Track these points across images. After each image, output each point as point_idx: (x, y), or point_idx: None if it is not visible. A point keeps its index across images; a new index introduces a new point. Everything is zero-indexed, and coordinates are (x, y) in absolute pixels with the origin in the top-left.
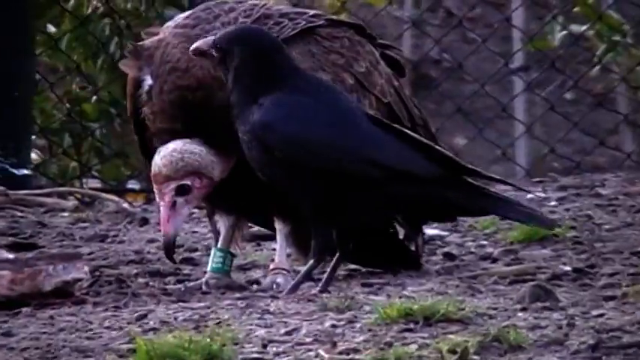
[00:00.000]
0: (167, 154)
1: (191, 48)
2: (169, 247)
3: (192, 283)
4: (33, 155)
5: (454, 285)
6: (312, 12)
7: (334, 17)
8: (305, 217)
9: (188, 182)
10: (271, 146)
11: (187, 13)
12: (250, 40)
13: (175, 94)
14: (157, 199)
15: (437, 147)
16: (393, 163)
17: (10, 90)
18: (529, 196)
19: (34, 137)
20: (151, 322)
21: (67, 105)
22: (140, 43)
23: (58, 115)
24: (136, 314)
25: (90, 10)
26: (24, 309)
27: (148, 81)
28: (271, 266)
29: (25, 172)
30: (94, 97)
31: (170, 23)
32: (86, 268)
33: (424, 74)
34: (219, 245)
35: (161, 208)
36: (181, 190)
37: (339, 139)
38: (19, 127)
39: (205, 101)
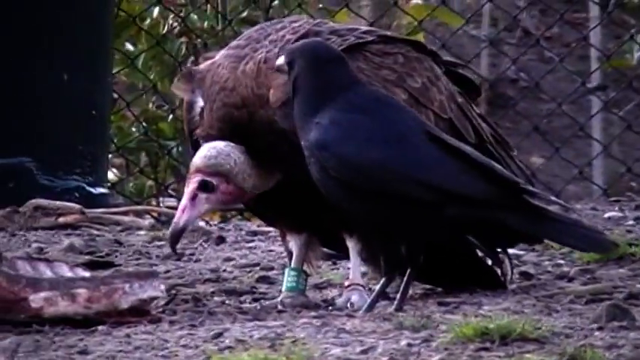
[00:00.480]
0: (206, 147)
1: (274, 65)
2: (175, 236)
3: (267, 302)
4: (110, 174)
5: (531, 304)
6: (364, 28)
7: (389, 34)
8: (369, 234)
9: (213, 181)
10: (327, 166)
11: (243, 34)
12: (308, 51)
13: (222, 112)
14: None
15: (496, 167)
16: (447, 186)
17: (88, 108)
18: (606, 215)
19: (110, 156)
20: (227, 341)
21: (144, 123)
22: (194, 67)
23: (134, 133)
24: (211, 333)
25: (166, 29)
26: (100, 327)
27: (200, 103)
28: (346, 283)
29: (102, 190)
30: (171, 116)
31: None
32: (162, 287)
33: (501, 93)
34: (292, 264)
35: (183, 197)
36: (204, 186)
37: (393, 162)
38: (96, 146)
39: (249, 118)
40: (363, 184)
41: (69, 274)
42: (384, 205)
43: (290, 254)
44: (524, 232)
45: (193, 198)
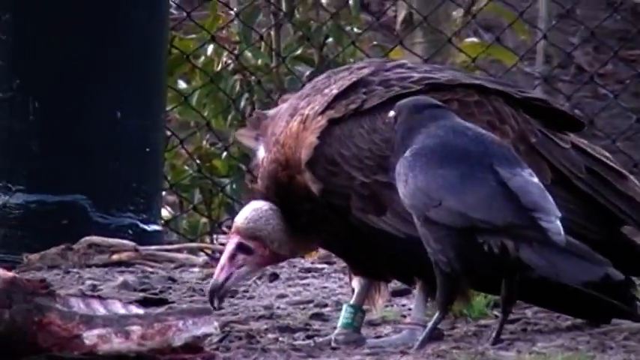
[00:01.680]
0: (250, 208)
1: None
2: (214, 294)
3: (321, 339)
4: (163, 211)
5: (585, 341)
6: (418, 76)
7: (446, 78)
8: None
9: (251, 245)
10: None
11: (315, 79)
12: (406, 106)
13: (271, 167)
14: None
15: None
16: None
17: (141, 146)
18: None
19: (164, 193)
20: None
21: (198, 161)
22: (263, 111)
23: (188, 171)
24: None
25: (220, 67)
26: None
27: (262, 152)
28: (407, 320)
29: (156, 227)
30: (224, 153)
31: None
32: (216, 324)
33: None
34: (351, 302)
35: (223, 255)
36: (242, 248)
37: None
38: (149, 183)
39: (288, 182)
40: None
41: (122, 312)
42: (466, 243)
43: (353, 291)
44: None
45: (232, 258)
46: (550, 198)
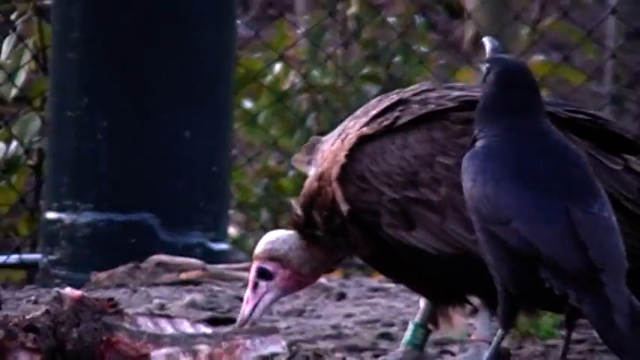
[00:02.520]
0: (267, 235)
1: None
2: (241, 327)
3: (382, 357)
4: (231, 230)
5: None
6: (455, 94)
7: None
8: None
9: (269, 267)
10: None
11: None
12: (501, 65)
13: (310, 180)
14: None
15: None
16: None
17: (209, 165)
18: None
19: (231, 212)
20: None
21: (264, 180)
22: (319, 137)
23: (255, 189)
24: None
25: (287, 86)
26: None
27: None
28: (473, 337)
29: (223, 246)
30: (291, 172)
31: None
32: (284, 343)
33: None
34: (416, 319)
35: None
36: (262, 273)
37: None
38: (217, 202)
39: (319, 191)
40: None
41: (190, 331)
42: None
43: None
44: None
45: (254, 287)
46: (619, 244)
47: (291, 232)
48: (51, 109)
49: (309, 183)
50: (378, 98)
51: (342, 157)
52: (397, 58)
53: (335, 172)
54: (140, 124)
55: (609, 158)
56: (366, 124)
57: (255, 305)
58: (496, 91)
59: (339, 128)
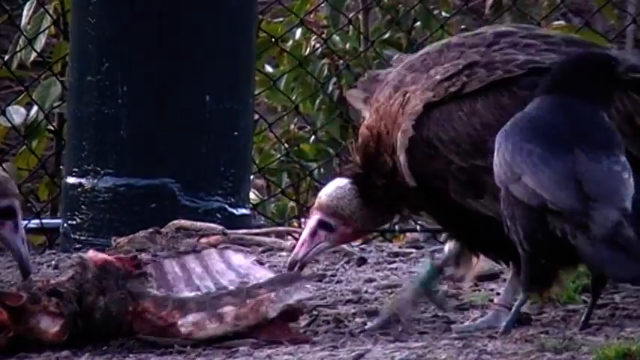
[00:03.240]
0: (334, 185)
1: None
2: (291, 268)
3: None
4: (251, 195)
5: None
6: (522, 59)
7: (554, 60)
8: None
9: (333, 222)
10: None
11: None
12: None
13: (365, 135)
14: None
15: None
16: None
17: (230, 130)
18: None
19: (252, 177)
20: None
21: (286, 145)
22: (377, 71)
23: (276, 155)
24: (353, 354)
25: (308, 51)
26: (241, 348)
27: (367, 115)
28: (495, 300)
29: (244, 211)
30: (312, 137)
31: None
32: (309, 286)
33: None
34: (434, 263)
35: (305, 230)
36: (324, 225)
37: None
38: (238, 167)
39: (377, 155)
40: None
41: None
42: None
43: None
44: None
45: (313, 234)
46: (628, 191)
47: (355, 187)
48: (71, 74)
49: (365, 137)
50: (437, 49)
51: (408, 127)
52: (418, 23)
53: (400, 142)
54: (161, 88)
55: None
56: (431, 88)
57: (310, 250)
58: (567, 69)
59: (395, 77)
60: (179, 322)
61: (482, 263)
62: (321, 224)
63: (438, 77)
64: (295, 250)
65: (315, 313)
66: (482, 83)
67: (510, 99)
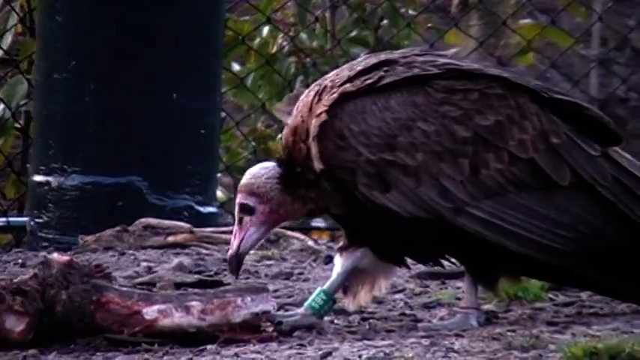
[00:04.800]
0: (257, 166)
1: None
2: (231, 263)
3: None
4: (218, 193)
5: None
6: (442, 62)
7: (477, 68)
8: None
9: (250, 202)
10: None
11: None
12: None
13: (287, 132)
14: None
15: None
16: None
17: (197, 128)
18: None
19: (219, 175)
20: None
21: (253, 143)
22: (304, 89)
23: (243, 153)
24: (320, 352)
25: (276, 49)
26: (209, 346)
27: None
28: (461, 304)
29: (211, 209)
30: (280, 135)
31: None
32: (273, 301)
33: (611, 113)
34: (325, 287)
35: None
36: (245, 209)
37: None
38: (205, 165)
39: (294, 146)
40: None
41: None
42: None
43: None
44: None
45: (240, 222)
46: None
47: (276, 167)
48: (38, 72)
49: (286, 135)
50: (367, 56)
51: (322, 114)
52: (385, 21)
53: (313, 128)
54: (128, 86)
55: (588, 144)
56: (350, 80)
57: (242, 240)
58: None
59: (319, 81)
60: (144, 310)
61: (369, 294)
62: (242, 208)
63: (358, 68)
64: (230, 246)
65: (282, 311)
66: (397, 78)
67: (424, 98)
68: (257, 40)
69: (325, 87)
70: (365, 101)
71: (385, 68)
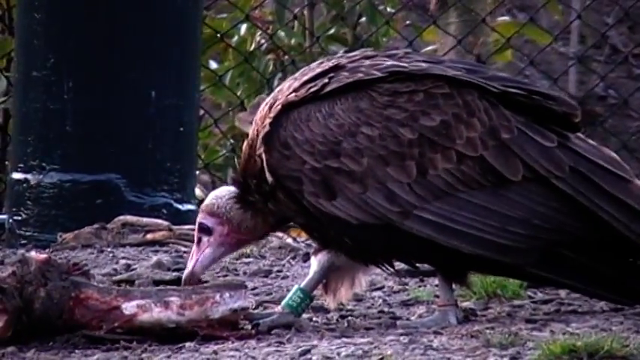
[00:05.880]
0: (221, 189)
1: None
2: (186, 283)
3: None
4: (197, 191)
5: (619, 322)
6: (386, 64)
7: (423, 68)
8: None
9: (208, 223)
10: None
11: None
12: None
13: (245, 145)
14: None
15: None
16: None
17: (175, 125)
18: None
19: (198, 172)
20: (314, 358)
21: (231, 141)
22: (264, 95)
23: (221, 150)
24: (299, 349)
25: (254, 46)
26: (187, 344)
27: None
28: (439, 301)
29: (190, 207)
30: None
31: None
32: (251, 298)
33: (589, 110)
34: (302, 285)
35: None
36: (203, 229)
37: None
38: (183, 163)
39: (249, 159)
40: None
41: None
42: None
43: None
44: None
45: (198, 242)
46: None
47: (236, 191)
48: (17, 70)
49: (244, 147)
50: (320, 61)
51: (267, 125)
52: (364, 19)
53: (260, 139)
54: (107, 84)
55: (543, 135)
56: (296, 89)
57: (197, 260)
58: None
59: (276, 90)
60: (123, 306)
61: (349, 291)
62: (200, 228)
63: (304, 79)
64: (188, 265)
65: (261, 308)
66: (340, 84)
67: (368, 103)
68: (235, 38)
69: (277, 99)
70: (309, 109)
71: (330, 75)
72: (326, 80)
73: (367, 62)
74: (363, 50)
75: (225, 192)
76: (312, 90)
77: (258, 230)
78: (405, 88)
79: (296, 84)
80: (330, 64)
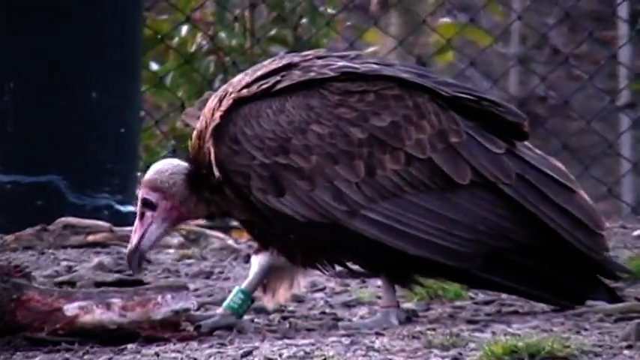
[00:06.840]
0: (162, 162)
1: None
2: (130, 259)
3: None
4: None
5: (559, 322)
6: (338, 65)
7: (374, 69)
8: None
9: (152, 198)
10: None
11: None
12: None
13: (194, 136)
14: None
15: None
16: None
17: (117, 126)
18: (635, 232)
19: (139, 174)
20: (256, 359)
21: (172, 142)
22: (212, 92)
23: (163, 151)
24: (241, 351)
25: (195, 48)
26: (129, 345)
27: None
28: (380, 302)
29: (131, 208)
30: None
31: None
32: (194, 299)
33: (530, 111)
34: (243, 286)
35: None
36: (147, 204)
37: None
38: (125, 164)
39: (199, 151)
40: None
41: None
42: None
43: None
44: None
45: (141, 217)
46: None
47: (182, 164)
48: None
49: (193, 139)
50: (272, 59)
51: (217, 118)
52: (304, 20)
53: (209, 133)
54: (47, 85)
55: (491, 141)
56: (248, 85)
57: (142, 236)
58: None
59: (225, 85)
60: (64, 307)
61: (288, 292)
62: (144, 203)
63: (258, 74)
64: (130, 241)
65: (202, 310)
66: (292, 82)
67: (319, 101)
68: (176, 39)
69: (227, 92)
70: (259, 105)
71: (283, 73)
72: (278, 78)
73: (319, 62)
74: (316, 50)
75: (168, 166)
76: (263, 87)
77: (197, 214)
78: (357, 87)
79: (248, 79)
80: (283, 62)
